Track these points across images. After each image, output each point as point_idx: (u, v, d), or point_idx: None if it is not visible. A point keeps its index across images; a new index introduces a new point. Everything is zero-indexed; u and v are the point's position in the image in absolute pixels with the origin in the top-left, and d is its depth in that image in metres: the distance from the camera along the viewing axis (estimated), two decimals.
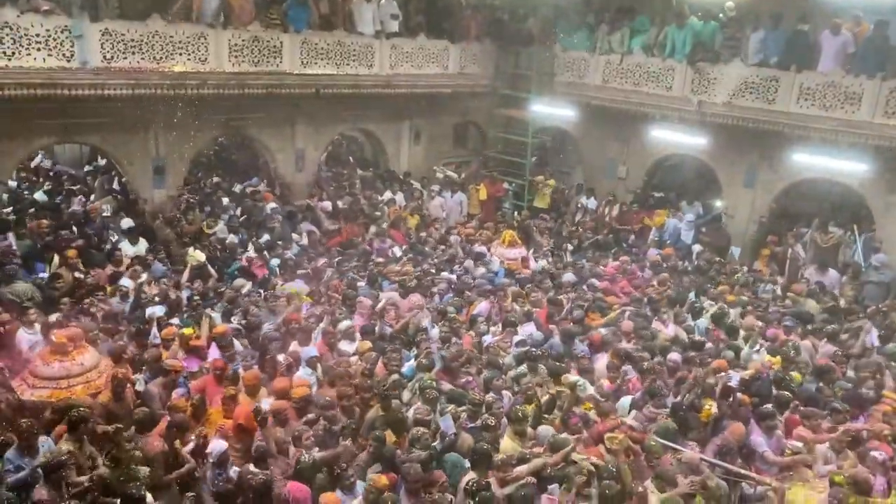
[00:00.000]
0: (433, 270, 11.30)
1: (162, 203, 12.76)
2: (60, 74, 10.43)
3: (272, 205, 13.04)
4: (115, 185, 13.73)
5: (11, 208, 11.71)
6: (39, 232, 10.57)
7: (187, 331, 8.12)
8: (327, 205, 13.70)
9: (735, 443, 6.87)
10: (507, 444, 6.50)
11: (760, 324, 9.61)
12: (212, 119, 13.02)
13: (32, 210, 11.71)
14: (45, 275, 9.73)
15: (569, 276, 11.37)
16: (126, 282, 9.64)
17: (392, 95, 14.48)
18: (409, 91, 14.65)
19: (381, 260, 11.82)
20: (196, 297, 9.51)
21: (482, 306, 10.03)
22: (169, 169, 12.90)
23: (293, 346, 8.34)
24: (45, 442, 6.02)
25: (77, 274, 9.64)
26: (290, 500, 5.70)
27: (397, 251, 12.34)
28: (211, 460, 6.15)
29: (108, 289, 9.60)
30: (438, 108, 15.95)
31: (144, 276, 9.84)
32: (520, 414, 6.65)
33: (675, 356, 8.42)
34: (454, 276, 11.18)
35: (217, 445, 6.19)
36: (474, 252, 12.13)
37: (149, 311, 8.80)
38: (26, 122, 11.18)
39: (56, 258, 10.04)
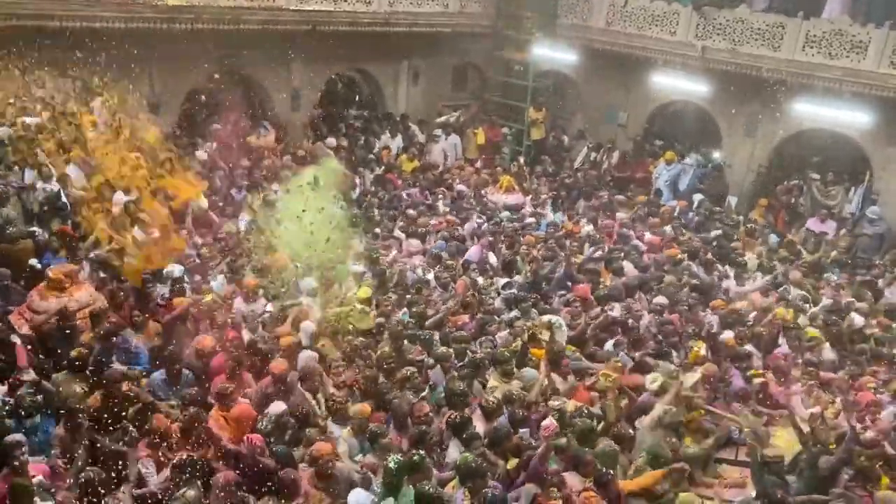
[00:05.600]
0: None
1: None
2: (50, 5, 10.17)
3: None
4: None
5: None
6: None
7: (208, 297, 7.75)
8: (332, 141, 13.55)
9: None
10: (493, 384, 6.71)
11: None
12: (206, 55, 12.73)
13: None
14: None
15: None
16: (137, 232, 9.42)
17: (390, 34, 14.19)
18: (407, 29, 14.34)
19: (411, 211, 11.60)
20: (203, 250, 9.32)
21: (473, 250, 10.05)
22: (163, 105, 12.70)
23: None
24: None
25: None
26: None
27: (441, 205, 12.22)
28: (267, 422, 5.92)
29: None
30: (438, 48, 15.61)
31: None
32: (505, 355, 6.87)
33: (661, 299, 8.57)
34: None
35: (276, 408, 6.01)
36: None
37: (167, 268, 8.39)
38: (17, 55, 10.92)
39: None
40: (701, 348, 7.40)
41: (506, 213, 11.84)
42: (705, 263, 9.92)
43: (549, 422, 5.57)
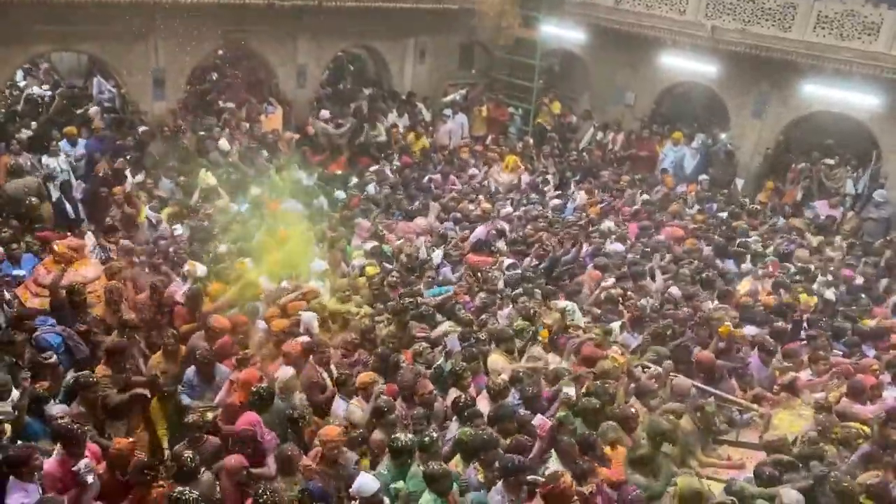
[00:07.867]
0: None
1: (161, 115, 12.59)
2: None
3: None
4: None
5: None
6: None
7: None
8: (325, 113, 13.51)
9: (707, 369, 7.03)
10: (496, 359, 6.73)
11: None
12: (212, 30, 12.66)
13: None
14: None
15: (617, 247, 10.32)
16: (151, 213, 9.50)
17: (397, 10, 14.06)
18: (414, 6, 14.21)
19: (455, 194, 11.55)
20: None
21: (479, 230, 10.05)
22: (169, 80, 12.64)
23: None
24: None
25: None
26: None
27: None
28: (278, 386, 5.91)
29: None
30: (444, 25, 15.50)
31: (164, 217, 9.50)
32: (509, 332, 6.93)
33: (675, 291, 8.55)
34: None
35: (284, 372, 5.99)
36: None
37: (188, 267, 7.96)
38: (23, 28, 10.86)
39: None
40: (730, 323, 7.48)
41: (533, 196, 11.86)
42: (734, 255, 9.86)
43: (543, 420, 5.55)
